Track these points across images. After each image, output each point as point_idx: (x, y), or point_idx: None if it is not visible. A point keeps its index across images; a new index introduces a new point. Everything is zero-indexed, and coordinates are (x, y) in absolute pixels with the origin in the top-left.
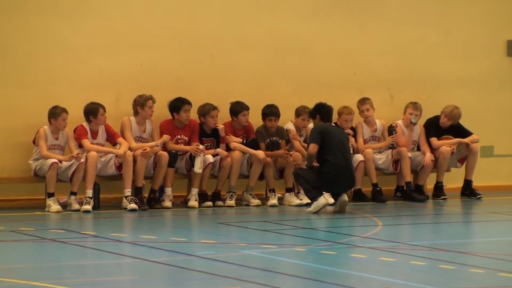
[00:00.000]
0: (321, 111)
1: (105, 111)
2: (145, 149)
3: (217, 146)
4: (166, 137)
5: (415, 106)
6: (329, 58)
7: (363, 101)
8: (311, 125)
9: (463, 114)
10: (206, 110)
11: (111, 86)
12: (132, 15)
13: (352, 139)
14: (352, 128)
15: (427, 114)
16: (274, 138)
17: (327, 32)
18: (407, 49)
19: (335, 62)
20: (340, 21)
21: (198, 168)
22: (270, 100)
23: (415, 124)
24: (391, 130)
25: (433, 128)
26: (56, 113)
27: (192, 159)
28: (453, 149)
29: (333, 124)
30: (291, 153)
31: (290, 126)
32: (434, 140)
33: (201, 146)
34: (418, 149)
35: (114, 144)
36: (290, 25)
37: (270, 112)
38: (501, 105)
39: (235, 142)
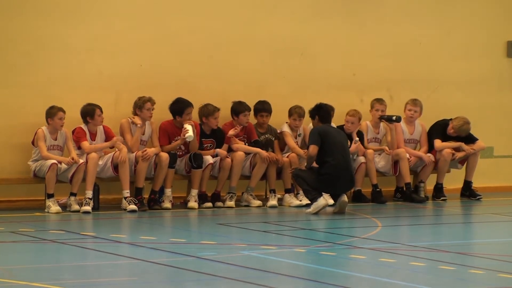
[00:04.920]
0: (320, 112)
1: (101, 111)
2: (145, 152)
3: (217, 147)
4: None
5: (414, 102)
6: (328, 59)
7: (381, 101)
8: (311, 125)
9: (463, 115)
10: (210, 111)
11: (111, 87)
12: (131, 16)
13: (359, 144)
14: (360, 133)
15: (426, 115)
16: (267, 136)
17: (327, 33)
18: (407, 50)
19: (335, 63)
20: (340, 22)
21: (191, 133)
22: (270, 101)
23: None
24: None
25: (440, 131)
26: (52, 113)
27: (191, 159)
28: (456, 156)
29: (333, 125)
30: (287, 154)
31: (285, 128)
32: (437, 142)
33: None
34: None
35: (111, 146)
36: (290, 26)
37: (262, 108)
38: (501, 106)
39: (238, 143)
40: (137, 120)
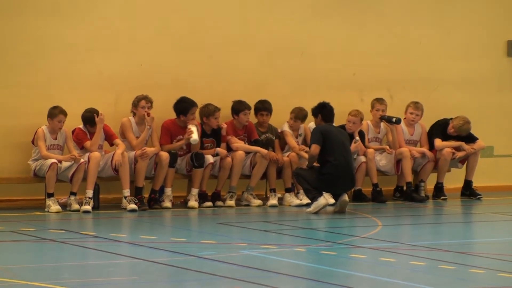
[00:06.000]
0: (323, 111)
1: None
2: (144, 151)
3: (217, 146)
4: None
5: (416, 106)
6: (328, 58)
7: (382, 101)
8: (311, 124)
9: (463, 114)
10: (211, 111)
11: (111, 87)
12: (131, 16)
13: (360, 144)
14: (361, 133)
15: (427, 115)
16: (267, 135)
17: (327, 33)
18: (407, 49)
19: (335, 62)
20: (340, 21)
21: (195, 136)
22: (270, 101)
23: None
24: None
25: (440, 130)
26: (54, 114)
27: (192, 159)
28: (456, 155)
29: (334, 125)
30: (288, 154)
31: (285, 127)
32: (437, 141)
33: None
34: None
35: (111, 145)
36: (290, 26)
37: (262, 107)
38: (501, 105)
39: (237, 143)
40: (149, 121)
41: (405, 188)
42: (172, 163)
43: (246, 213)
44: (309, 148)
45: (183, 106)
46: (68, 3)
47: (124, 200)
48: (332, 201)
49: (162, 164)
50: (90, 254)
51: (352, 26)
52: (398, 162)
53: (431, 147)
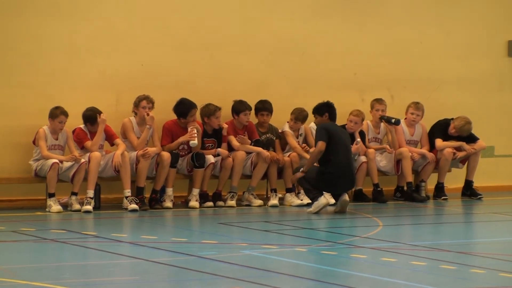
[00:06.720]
0: (330, 110)
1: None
2: (146, 151)
3: (219, 146)
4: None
5: (416, 106)
6: (329, 58)
7: (381, 101)
8: (312, 124)
9: (463, 114)
10: (212, 111)
11: (111, 87)
12: (132, 16)
13: (361, 144)
14: (362, 133)
15: (427, 115)
16: (268, 135)
17: (327, 33)
18: (407, 49)
19: (336, 62)
20: (340, 21)
21: (196, 140)
22: (271, 101)
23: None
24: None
25: (441, 130)
26: (55, 114)
27: (193, 159)
28: (457, 155)
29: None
30: (289, 154)
31: (286, 127)
32: (438, 141)
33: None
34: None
35: (112, 145)
36: (291, 26)
37: (263, 107)
38: (501, 105)
39: (237, 144)
40: (149, 120)
41: (405, 188)
42: (173, 163)
43: (247, 213)
44: (315, 146)
45: (182, 108)
46: (68, 3)
47: (125, 200)
48: (332, 201)
49: (163, 164)
50: (91, 254)
51: (352, 26)
52: (398, 162)
53: (432, 147)
